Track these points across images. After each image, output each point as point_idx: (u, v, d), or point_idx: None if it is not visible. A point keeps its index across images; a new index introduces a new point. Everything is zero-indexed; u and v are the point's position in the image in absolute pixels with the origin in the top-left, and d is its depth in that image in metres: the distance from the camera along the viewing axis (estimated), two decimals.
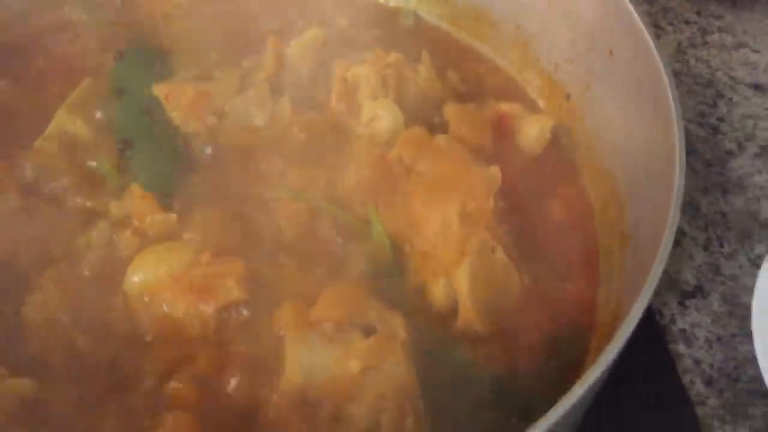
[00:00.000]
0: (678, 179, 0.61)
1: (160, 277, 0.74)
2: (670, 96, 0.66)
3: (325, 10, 1.03)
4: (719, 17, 1.28)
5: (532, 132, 0.89)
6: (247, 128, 0.89)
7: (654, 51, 0.70)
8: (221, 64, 0.94)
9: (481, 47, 1.02)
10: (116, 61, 0.96)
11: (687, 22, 1.27)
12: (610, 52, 0.81)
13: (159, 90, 0.89)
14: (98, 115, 0.89)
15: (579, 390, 0.52)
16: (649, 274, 0.57)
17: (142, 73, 0.94)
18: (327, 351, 0.69)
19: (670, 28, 1.26)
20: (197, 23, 1.01)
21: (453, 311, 0.76)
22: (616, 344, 0.56)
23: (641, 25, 0.73)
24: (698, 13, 1.28)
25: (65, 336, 0.73)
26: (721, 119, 1.13)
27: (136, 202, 0.79)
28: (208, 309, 0.73)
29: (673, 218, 0.58)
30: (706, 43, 1.24)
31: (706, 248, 0.98)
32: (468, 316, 0.74)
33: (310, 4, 1.05)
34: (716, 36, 1.25)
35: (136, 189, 0.80)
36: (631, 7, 0.75)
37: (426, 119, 0.89)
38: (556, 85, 0.93)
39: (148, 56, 0.97)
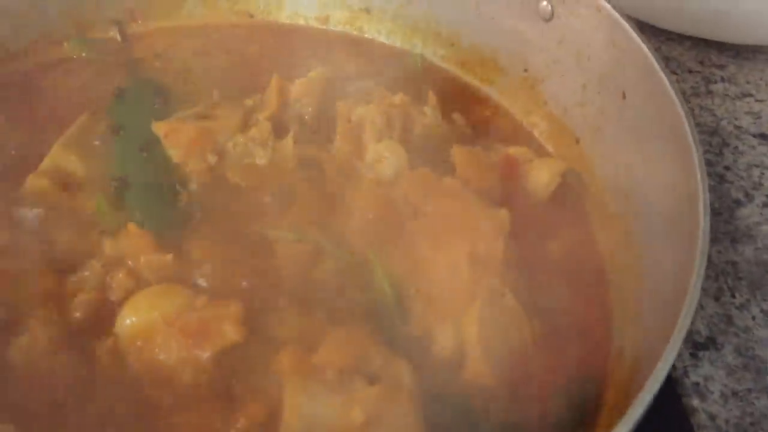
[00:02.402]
0: (703, 222, 0.58)
1: (154, 320, 0.70)
2: (690, 136, 0.64)
3: (331, 51, 1.02)
4: (722, 67, 1.28)
5: (542, 176, 0.87)
6: (249, 167, 0.86)
7: (671, 91, 0.69)
8: (223, 102, 0.92)
9: (488, 90, 1.00)
10: (115, 98, 0.94)
11: (690, 71, 1.26)
12: (623, 94, 0.79)
13: (158, 128, 0.86)
14: (95, 151, 0.87)
15: None
16: (672, 335, 0.54)
17: (142, 110, 0.92)
18: (329, 400, 0.65)
19: (673, 77, 1.25)
20: (201, 62, 0.99)
21: (460, 359, 0.72)
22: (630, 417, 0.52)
23: (657, 66, 0.72)
24: (701, 63, 1.28)
25: (51, 381, 0.69)
26: (727, 168, 1.11)
27: (132, 242, 0.76)
28: (203, 354, 0.69)
29: (699, 265, 0.55)
30: (710, 92, 1.23)
31: (717, 298, 0.95)
32: (477, 365, 0.71)
33: (314, 45, 1.04)
34: (720, 85, 1.24)
35: (132, 228, 0.77)
36: (645, 48, 0.74)
37: (432, 161, 0.87)
38: (564, 129, 0.92)
39: (148, 94, 0.95)
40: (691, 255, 0.58)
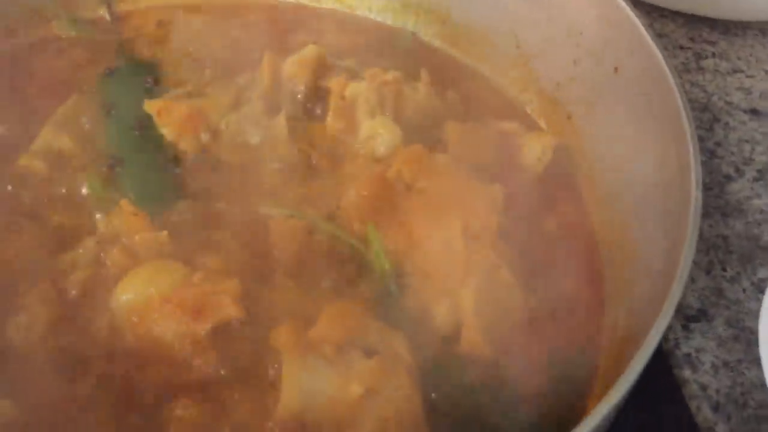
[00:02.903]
0: (695, 194, 0.59)
1: (150, 296, 0.71)
2: (682, 109, 0.65)
3: (322, 28, 1.02)
4: (713, 43, 1.28)
5: (534, 151, 0.88)
6: (242, 145, 0.86)
7: (664, 65, 0.69)
8: (215, 80, 0.92)
9: (480, 66, 1.00)
10: (106, 77, 0.94)
11: (681, 48, 1.27)
12: (615, 69, 0.80)
13: (151, 106, 0.86)
14: (86, 131, 0.87)
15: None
16: (664, 304, 0.54)
17: (133, 89, 0.92)
18: (327, 374, 0.66)
19: (664, 53, 1.25)
20: (190, 39, 0.99)
21: (456, 332, 0.73)
22: (619, 390, 0.53)
23: (650, 40, 0.72)
24: (692, 39, 1.28)
25: (49, 357, 0.69)
26: (718, 144, 1.12)
27: (126, 219, 0.76)
28: (202, 328, 0.69)
29: (690, 239, 0.55)
30: (700, 68, 1.24)
31: (708, 272, 0.96)
32: (473, 337, 0.72)
33: (306, 22, 1.04)
34: (710, 61, 1.25)
35: (126, 205, 0.77)
36: (638, 23, 0.74)
37: (425, 137, 0.87)
38: (557, 104, 0.92)
39: (139, 72, 0.95)
40: (682, 228, 0.58)
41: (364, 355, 0.67)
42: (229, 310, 0.69)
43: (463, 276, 0.73)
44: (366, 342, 0.68)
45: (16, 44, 0.98)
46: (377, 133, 0.85)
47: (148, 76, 0.94)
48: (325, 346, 0.67)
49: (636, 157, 0.77)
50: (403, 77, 0.91)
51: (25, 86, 0.93)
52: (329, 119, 0.88)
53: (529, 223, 0.83)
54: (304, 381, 0.66)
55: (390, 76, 0.90)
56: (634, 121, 0.77)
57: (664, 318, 0.53)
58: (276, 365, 0.68)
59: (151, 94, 0.90)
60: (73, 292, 0.73)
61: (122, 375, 0.68)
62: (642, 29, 0.73)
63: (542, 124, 0.94)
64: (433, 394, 0.68)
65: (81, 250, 0.75)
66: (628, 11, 0.75)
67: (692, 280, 0.95)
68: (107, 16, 1.03)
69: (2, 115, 0.88)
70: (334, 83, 0.90)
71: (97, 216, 0.78)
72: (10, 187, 0.81)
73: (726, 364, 0.87)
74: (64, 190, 0.81)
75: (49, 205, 0.80)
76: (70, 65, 0.96)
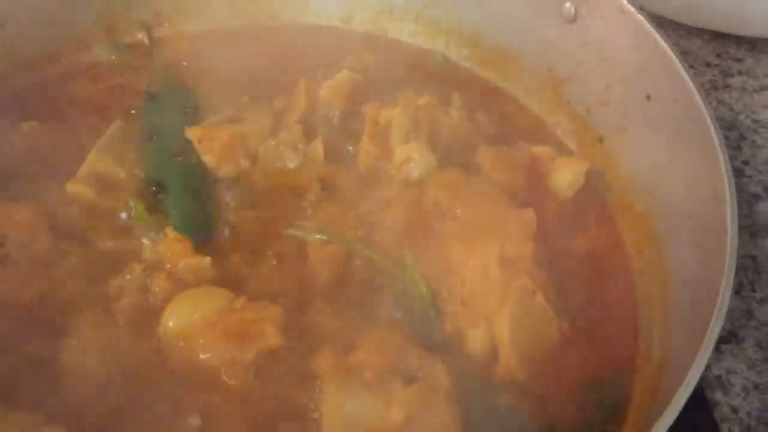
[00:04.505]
0: (731, 227, 0.60)
1: (196, 322, 0.73)
2: (716, 139, 0.66)
3: (356, 50, 1.03)
4: (739, 60, 1.28)
5: (565, 176, 0.89)
6: (280, 170, 0.88)
7: (696, 95, 0.70)
8: (252, 105, 0.94)
9: (511, 89, 1.01)
10: (146, 102, 0.96)
11: (708, 65, 1.27)
12: (648, 96, 0.81)
13: (192, 133, 0.88)
14: (129, 157, 0.89)
15: None
16: (703, 340, 0.55)
17: (173, 114, 0.94)
18: (368, 399, 0.68)
19: (691, 71, 1.25)
20: (228, 64, 1.01)
21: (492, 358, 0.75)
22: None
23: (682, 70, 0.73)
24: (719, 56, 1.29)
25: (100, 383, 0.71)
26: (745, 162, 1.13)
27: (170, 246, 0.79)
28: (246, 355, 0.71)
29: (728, 273, 0.56)
30: (727, 86, 1.24)
31: (738, 293, 0.97)
32: (509, 363, 0.73)
33: (339, 45, 1.06)
34: (737, 79, 1.25)
35: (171, 232, 0.79)
36: (670, 52, 0.75)
37: (458, 161, 0.89)
38: (588, 128, 0.93)
39: (179, 98, 0.97)
40: (716, 255, 0.59)
41: (404, 381, 0.69)
42: (272, 339, 0.71)
43: (499, 302, 0.74)
44: (406, 368, 0.70)
45: (59, 70, 1.01)
46: (411, 159, 0.87)
47: (187, 100, 0.96)
48: (366, 372, 0.69)
49: (669, 183, 0.78)
50: (436, 102, 0.92)
51: (69, 111, 0.95)
52: (364, 144, 0.89)
53: (562, 248, 0.84)
54: (345, 407, 0.68)
55: (423, 101, 0.91)
56: (666, 148, 0.78)
57: (702, 358, 0.54)
58: (318, 390, 0.70)
59: (190, 118, 0.93)
60: (122, 317, 0.76)
61: (170, 399, 0.71)
62: (674, 58, 0.74)
63: (573, 146, 0.95)
64: (470, 419, 0.70)
65: (128, 276, 0.78)
66: (660, 39, 0.76)
67: None
68: (146, 41, 1.06)
69: (48, 140, 0.91)
70: (368, 108, 0.91)
71: (143, 241, 0.80)
72: (58, 212, 0.83)
73: (756, 386, 0.88)
74: (110, 216, 0.84)
75: (96, 230, 0.82)
76: (111, 90, 0.99)
